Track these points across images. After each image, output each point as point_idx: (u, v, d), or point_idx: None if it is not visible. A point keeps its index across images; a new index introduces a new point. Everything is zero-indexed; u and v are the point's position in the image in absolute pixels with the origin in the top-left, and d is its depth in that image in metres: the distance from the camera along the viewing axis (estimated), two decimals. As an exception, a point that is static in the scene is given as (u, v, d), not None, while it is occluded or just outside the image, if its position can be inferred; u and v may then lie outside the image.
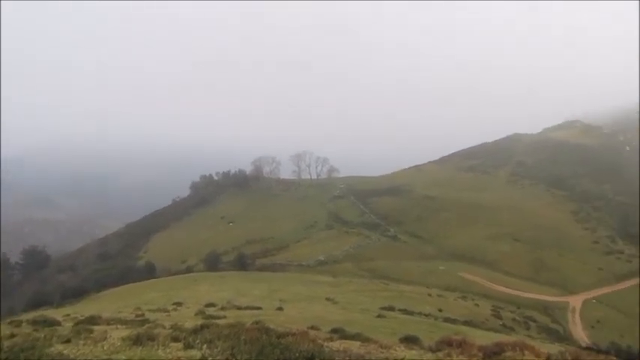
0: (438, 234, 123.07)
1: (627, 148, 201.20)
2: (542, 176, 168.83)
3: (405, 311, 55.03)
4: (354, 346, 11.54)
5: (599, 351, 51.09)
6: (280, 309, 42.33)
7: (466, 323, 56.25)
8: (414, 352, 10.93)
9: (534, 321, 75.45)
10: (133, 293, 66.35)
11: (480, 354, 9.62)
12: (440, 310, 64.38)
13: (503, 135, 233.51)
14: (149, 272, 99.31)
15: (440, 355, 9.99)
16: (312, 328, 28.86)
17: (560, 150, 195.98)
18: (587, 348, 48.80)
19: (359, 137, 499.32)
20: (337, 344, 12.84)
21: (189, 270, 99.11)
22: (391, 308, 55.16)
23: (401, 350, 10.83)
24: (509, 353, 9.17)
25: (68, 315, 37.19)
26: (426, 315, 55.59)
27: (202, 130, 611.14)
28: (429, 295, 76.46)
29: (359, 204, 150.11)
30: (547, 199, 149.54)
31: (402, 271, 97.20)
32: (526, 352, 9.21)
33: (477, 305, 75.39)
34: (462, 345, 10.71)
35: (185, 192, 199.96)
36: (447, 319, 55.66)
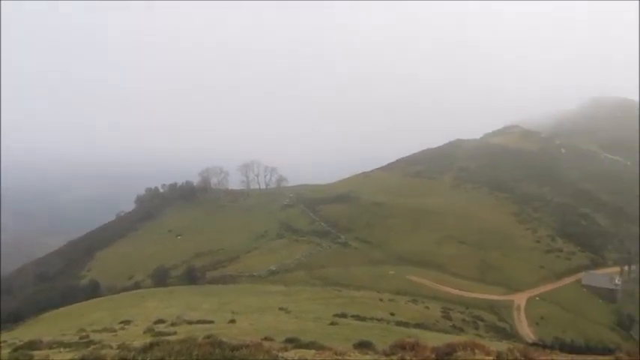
0: (387, 239, 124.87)
1: (563, 150, 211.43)
2: (484, 180, 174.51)
3: (357, 317, 55.44)
4: (309, 355, 11.53)
5: (544, 346, 53.19)
6: (232, 321, 41.69)
7: (418, 326, 57.31)
8: (368, 357, 11.04)
9: (482, 320, 77.67)
10: (77, 314, 63.69)
11: (433, 355, 9.82)
12: (392, 315, 65.26)
13: (446, 141, 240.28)
14: (93, 291, 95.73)
15: (394, 358, 10.12)
16: (266, 339, 28.59)
17: (500, 154, 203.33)
18: (534, 344, 50.69)
19: (308, 146, 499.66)
20: (292, 354, 12.78)
21: (136, 286, 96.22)
22: (344, 315, 55.43)
23: (355, 356, 10.90)
24: (460, 353, 9.41)
25: (5, 341, 35.19)
26: (379, 320, 56.17)
27: (147, 142, 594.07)
28: (381, 299, 77.34)
29: (309, 212, 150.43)
30: (490, 202, 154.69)
31: (354, 277, 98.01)
32: (476, 351, 9.48)
33: (427, 308, 76.87)
34: (414, 347, 10.90)
35: (130, 206, 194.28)
36: (399, 323, 56.52)
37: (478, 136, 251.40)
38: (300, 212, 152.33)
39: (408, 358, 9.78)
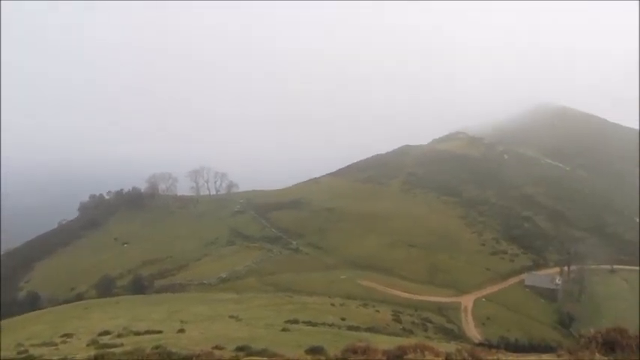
0: (338, 244, 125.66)
1: (506, 156, 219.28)
2: (432, 185, 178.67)
3: (309, 323, 55.34)
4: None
5: (490, 346, 54.78)
6: (182, 331, 40.66)
7: (369, 330, 57.85)
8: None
9: (431, 322, 79.26)
10: (13, 328, 60.32)
11: (384, 358, 9.89)
12: (343, 319, 65.58)
13: (395, 146, 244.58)
14: (32, 303, 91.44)
15: (345, 363, 10.13)
16: (217, 347, 28.08)
17: (447, 160, 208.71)
18: (480, 344, 52.10)
19: (258, 152, 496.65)
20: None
21: (79, 297, 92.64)
22: (295, 321, 55.23)
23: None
24: (410, 355, 9.52)
25: None
26: (330, 325, 56.31)
27: (92, 146, 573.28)
28: (332, 304, 77.57)
29: (260, 218, 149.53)
30: (438, 207, 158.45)
31: (305, 282, 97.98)
32: (426, 353, 9.62)
33: (377, 311, 77.68)
34: (366, 351, 10.95)
35: (73, 214, 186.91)
36: (350, 328, 56.86)
37: (425, 142, 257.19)
38: (251, 218, 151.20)
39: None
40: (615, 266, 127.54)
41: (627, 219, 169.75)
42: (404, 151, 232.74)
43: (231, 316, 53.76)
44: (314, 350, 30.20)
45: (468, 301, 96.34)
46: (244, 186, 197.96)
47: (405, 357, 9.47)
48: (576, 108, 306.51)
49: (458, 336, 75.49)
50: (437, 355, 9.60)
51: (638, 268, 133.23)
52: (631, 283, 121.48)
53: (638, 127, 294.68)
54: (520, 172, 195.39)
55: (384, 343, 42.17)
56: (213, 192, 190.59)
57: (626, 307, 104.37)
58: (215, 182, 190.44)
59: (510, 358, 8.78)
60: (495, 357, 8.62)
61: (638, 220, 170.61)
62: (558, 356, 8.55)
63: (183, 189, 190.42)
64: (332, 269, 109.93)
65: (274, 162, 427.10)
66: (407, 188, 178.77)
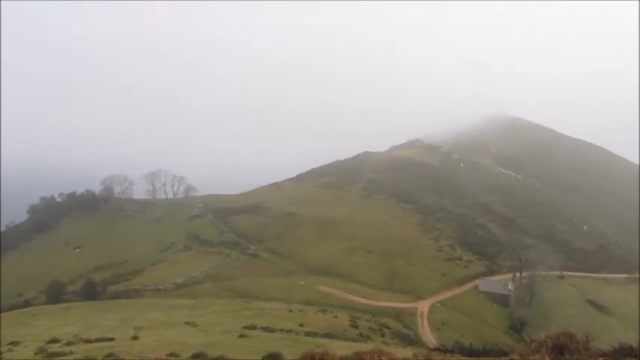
0: (297, 250, 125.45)
1: (462, 164, 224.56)
2: (390, 191, 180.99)
3: (267, 329, 54.98)
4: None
5: (446, 351, 55.70)
6: (135, 338, 39.69)
7: (326, 335, 57.87)
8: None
9: (388, 328, 79.99)
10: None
11: (343, 364, 9.92)
12: (301, 325, 65.42)
13: (354, 153, 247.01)
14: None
15: (303, 370, 10.09)
16: (172, 355, 27.60)
17: (405, 167, 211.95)
18: (436, 349, 52.89)
19: (217, 156, 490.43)
20: (199, 369, 12.36)
21: (27, 304, 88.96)
22: (253, 327, 54.78)
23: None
24: (367, 360, 9.59)
25: None
26: (288, 331, 56.07)
27: (42, 147, 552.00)
28: (290, 310, 77.35)
29: (218, 223, 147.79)
30: (396, 213, 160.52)
31: (264, 288, 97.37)
32: (383, 358, 9.70)
33: (335, 317, 77.86)
34: (324, 357, 10.95)
35: (22, 217, 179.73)
36: (308, 334, 56.76)
37: (385, 149, 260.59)
38: (209, 223, 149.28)
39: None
40: (564, 272, 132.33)
41: (576, 227, 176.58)
42: (364, 158, 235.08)
43: (187, 323, 52.87)
44: (271, 357, 30.09)
45: (424, 306, 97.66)
46: (203, 190, 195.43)
47: (363, 363, 9.52)
48: (528, 119, 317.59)
49: (414, 341, 76.51)
50: (393, 359, 9.70)
51: (586, 274, 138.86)
52: (579, 289, 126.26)
53: (586, 139, 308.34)
54: (475, 180, 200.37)
55: (341, 348, 42.35)
56: (170, 195, 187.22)
57: (574, 312, 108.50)
58: (172, 186, 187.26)
59: (464, 362, 8.95)
60: (450, 362, 8.78)
61: (586, 228, 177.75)
62: (510, 360, 8.77)
63: (140, 192, 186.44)
64: (291, 275, 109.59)
65: (234, 166, 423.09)
66: (366, 194, 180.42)
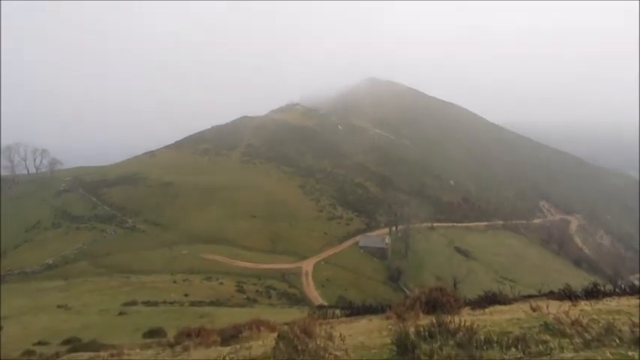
0: (178, 219, 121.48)
1: (340, 127, 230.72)
2: (271, 155, 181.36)
3: (149, 303, 53.09)
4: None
5: (330, 307, 57.84)
6: (-2, 328, 36.03)
7: (212, 304, 57.28)
8: (150, 351, 10.24)
9: (274, 289, 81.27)
10: None
11: (219, 339, 9.53)
12: (186, 295, 64.13)
13: (232, 118, 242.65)
14: None
15: (178, 349, 9.55)
16: (40, 343, 25.40)
17: (284, 131, 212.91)
18: (320, 306, 54.70)
19: (84, 124, 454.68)
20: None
21: None
22: (134, 303, 52.61)
23: (136, 353, 10.01)
24: (246, 333, 9.30)
25: None
26: (171, 303, 54.64)
27: None
28: (174, 281, 75.40)
29: (90, 196, 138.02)
30: (277, 176, 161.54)
31: (144, 261, 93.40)
32: (262, 329, 9.47)
33: (221, 284, 77.38)
34: (200, 333, 10.49)
35: None
36: (193, 303, 55.73)
37: (262, 113, 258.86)
38: (80, 197, 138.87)
39: (193, 346, 9.32)
40: (435, 224, 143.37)
41: (444, 182, 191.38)
42: (242, 123, 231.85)
43: (59, 306, 49.18)
44: (152, 333, 28.95)
45: (308, 265, 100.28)
46: (70, 162, 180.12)
47: (239, 336, 9.20)
48: (401, 83, 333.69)
49: (300, 300, 78.55)
50: (272, 329, 9.50)
51: (453, 224, 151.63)
52: (447, 238, 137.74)
53: (456, 103, 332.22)
54: (352, 141, 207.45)
55: (227, 315, 42.08)
56: (32, 170, 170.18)
57: (443, 260, 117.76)
58: (34, 159, 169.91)
59: (342, 325, 8.98)
60: (328, 326, 8.75)
61: (452, 182, 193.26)
62: (387, 318, 8.96)
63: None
64: (173, 245, 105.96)
65: (104, 136, 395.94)
66: (247, 159, 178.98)
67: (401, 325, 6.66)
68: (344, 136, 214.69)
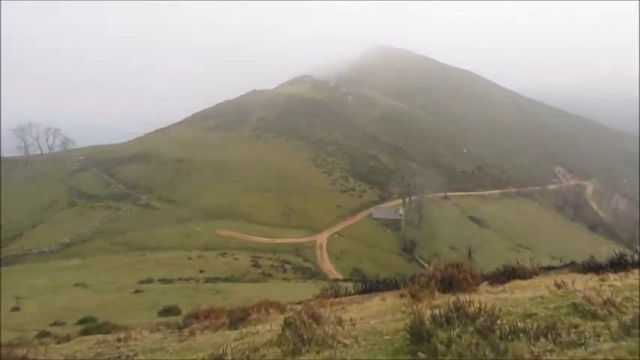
0: (191, 196, 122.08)
1: (350, 98, 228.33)
2: (281, 129, 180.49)
3: (164, 280, 53.45)
4: (87, 345, 9.99)
5: (344, 280, 57.91)
6: (16, 309, 36.49)
7: (227, 280, 57.56)
8: (157, 335, 9.94)
9: (289, 263, 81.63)
10: None
11: (227, 321, 9.19)
12: (201, 272, 64.53)
13: (242, 92, 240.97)
14: None
15: (185, 332, 9.23)
16: (55, 324, 25.55)
17: (294, 104, 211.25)
18: (334, 280, 54.77)
19: (92, 103, 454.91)
20: (71, 344, 11.06)
21: None
22: (150, 280, 53.00)
23: (142, 337, 9.72)
24: (254, 316, 8.95)
25: None
26: (187, 280, 54.97)
27: None
28: (189, 258, 75.91)
29: (103, 175, 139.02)
30: (289, 150, 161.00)
31: (159, 238, 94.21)
32: (271, 311, 9.12)
33: (236, 259, 77.76)
34: (209, 315, 10.18)
35: None
36: (208, 280, 56.00)
37: (272, 86, 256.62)
38: (93, 176, 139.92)
39: (200, 329, 8.99)
40: (448, 193, 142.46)
41: (457, 151, 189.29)
42: (252, 97, 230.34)
43: (76, 284, 49.72)
44: (167, 311, 29.03)
45: (322, 238, 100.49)
46: (82, 141, 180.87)
47: (248, 318, 8.84)
48: (414, 51, 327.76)
49: (315, 273, 78.83)
50: (282, 311, 9.14)
51: (466, 194, 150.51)
52: (461, 208, 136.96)
53: (468, 69, 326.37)
54: (363, 112, 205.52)
55: (242, 291, 42.15)
56: (45, 150, 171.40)
57: (458, 229, 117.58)
58: (47, 139, 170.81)
59: (354, 306, 8.55)
60: (340, 307, 8.33)
61: (465, 151, 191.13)
62: (401, 296, 8.51)
63: (10, 149, 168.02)
64: (187, 222, 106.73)
65: (115, 114, 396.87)
66: (257, 134, 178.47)
67: (415, 307, 6.18)
68: (355, 107, 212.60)
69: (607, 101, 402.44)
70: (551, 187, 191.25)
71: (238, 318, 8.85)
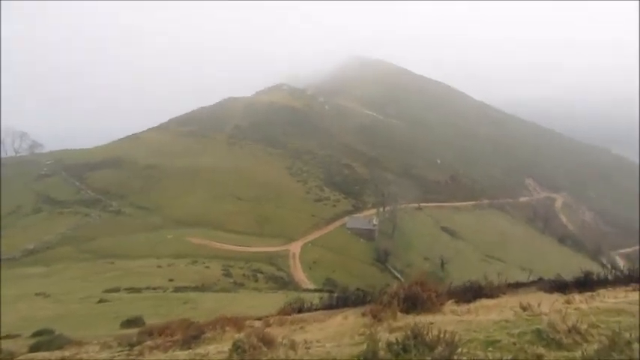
0: (163, 203, 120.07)
1: (326, 107, 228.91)
2: (257, 137, 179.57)
3: (132, 289, 52.00)
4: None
5: (316, 290, 57.35)
6: (-29, 319, 34.81)
7: (197, 289, 56.31)
8: (104, 354, 9.36)
9: (262, 272, 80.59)
10: None
11: (181, 339, 8.68)
12: (171, 280, 63.06)
13: (219, 99, 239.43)
14: None
15: (135, 351, 8.69)
16: (7, 337, 24.36)
17: (271, 111, 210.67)
18: (306, 290, 54.19)
19: (63, 107, 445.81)
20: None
21: None
22: (116, 289, 51.50)
23: (94, 353, 9.14)
24: (209, 334, 8.48)
25: None
26: (155, 289, 53.58)
27: None
28: (159, 266, 74.27)
29: (73, 180, 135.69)
30: (264, 158, 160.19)
31: (130, 246, 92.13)
32: (227, 328, 8.66)
33: (207, 268, 76.44)
34: (163, 332, 9.66)
35: None
36: (177, 289, 54.70)
37: (249, 94, 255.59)
38: (62, 181, 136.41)
39: (149, 349, 8.46)
40: (422, 204, 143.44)
41: (431, 162, 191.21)
42: (228, 104, 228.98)
43: (38, 294, 47.90)
44: (131, 322, 28.04)
45: (295, 247, 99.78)
46: (52, 146, 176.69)
47: (202, 337, 8.36)
48: (389, 61, 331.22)
49: (287, 283, 78.02)
50: (240, 328, 8.68)
51: (440, 204, 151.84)
52: (434, 218, 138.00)
53: (443, 81, 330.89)
54: (339, 122, 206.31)
55: (210, 301, 41.15)
56: (11, 154, 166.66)
57: (431, 240, 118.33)
58: (13, 143, 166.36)
59: (314, 325, 8.15)
60: (298, 326, 7.92)
61: (439, 161, 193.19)
62: (363, 315, 8.16)
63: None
64: (159, 229, 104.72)
65: (87, 119, 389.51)
66: (233, 141, 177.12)
67: (374, 330, 5.82)
68: (331, 117, 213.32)
69: (580, 115, 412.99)
70: (522, 199, 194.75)
71: (192, 336, 8.36)
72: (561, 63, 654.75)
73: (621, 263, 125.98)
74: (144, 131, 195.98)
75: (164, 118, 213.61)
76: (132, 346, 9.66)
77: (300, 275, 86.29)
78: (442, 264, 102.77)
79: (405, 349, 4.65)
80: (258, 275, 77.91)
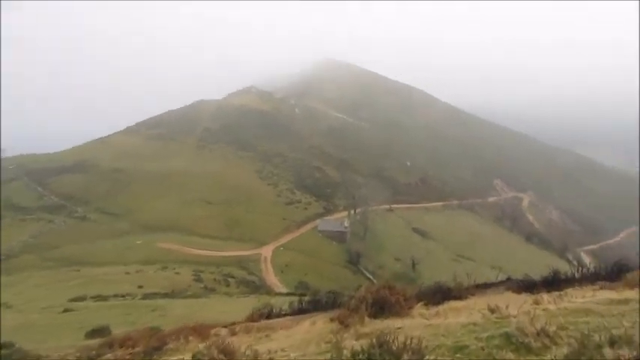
0: (131, 208, 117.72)
1: (297, 110, 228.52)
2: (228, 140, 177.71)
3: (99, 297, 50.75)
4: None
5: (288, 294, 56.92)
6: None
7: (167, 295, 55.29)
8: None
9: (233, 277, 79.65)
10: None
11: (142, 351, 8.31)
12: (140, 287, 61.72)
13: (188, 102, 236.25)
14: None
15: (95, 364, 8.29)
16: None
17: (241, 115, 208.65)
18: (278, 294, 53.72)
19: (27, 110, 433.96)
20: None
21: None
22: (82, 298, 50.20)
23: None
24: (172, 344, 8.13)
25: None
26: (123, 296, 52.38)
27: None
28: (127, 273, 72.64)
29: (35, 186, 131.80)
30: (234, 162, 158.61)
31: (96, 253, 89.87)
32: (190, 338, 8.32)
33: (177, 274, 75.14)
34: (125, 343, 9.26)
35: None
36: (146, 296, 53.58)
37: (217, 97, 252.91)
38: (25, 186, 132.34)
39: (112, 358, 8.07)
40: (393, 206, 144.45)
41: (401, 164, 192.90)
42: (198, 107, 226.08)
43: (-2, 304, 46.23)
44: (96, 332, 27.21)
45: (267, 251, 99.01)
46: (15, 150, 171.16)
47: (164, 347, 8.01)
48: (359, 65, 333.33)
49: (259, 287, 77.27)
50: (204, 337, 8.36)
51: (410, 205, 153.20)
52: (405, 220, 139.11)
53: (412, 84, 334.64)
54: (310, 124, 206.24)
55: (180, 308, 40.36)
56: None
57: (402, 241, 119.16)
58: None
59: (281, 332, 7.90)
60: (264, 334, 7.66)
61: (409, 164, 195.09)
62: (331, 320, 7.95)
63: None
64: (126, 235, 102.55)
65: (52, 122, 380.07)
66: (202, 144, 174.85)
67: (339, 337, 5.60)
68: (301, 120, 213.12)
69: (539, 115, 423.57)
70: (491, 199, 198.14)
71: (154, 347, 8.00)
72: (527, 65, 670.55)
73: (587, 260, 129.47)
74: (111, 135, 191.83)
75: (132, 122, 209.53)
76: (91, 359, 9.24)
77: (272, 279, 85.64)
78: (413, 265, 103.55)
79: (371, 358, 4.45)
80: (230, 280, 77.00)
